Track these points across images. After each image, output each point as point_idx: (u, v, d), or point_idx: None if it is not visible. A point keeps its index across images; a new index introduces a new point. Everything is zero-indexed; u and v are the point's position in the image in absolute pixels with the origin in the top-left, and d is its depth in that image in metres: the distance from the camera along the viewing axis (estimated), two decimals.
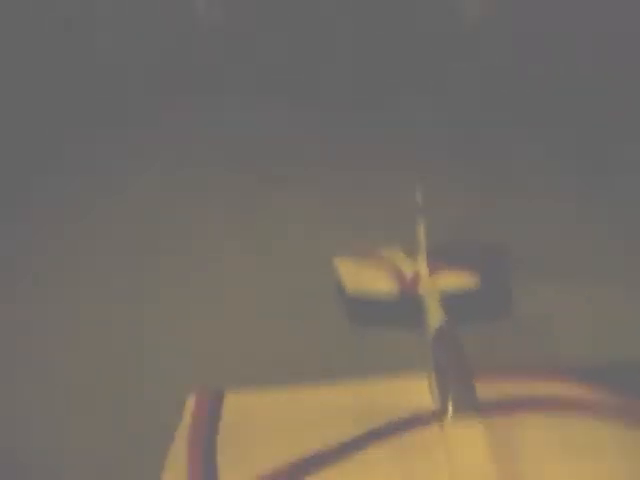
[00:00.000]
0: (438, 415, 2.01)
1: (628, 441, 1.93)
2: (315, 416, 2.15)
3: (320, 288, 3.03)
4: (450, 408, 1.97)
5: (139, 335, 2.93)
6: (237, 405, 2.20)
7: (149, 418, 2.48)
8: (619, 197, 3.67)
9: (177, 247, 3.47)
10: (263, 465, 1.94)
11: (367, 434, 2.02)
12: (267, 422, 2.15)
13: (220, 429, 2.11)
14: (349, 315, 2.92)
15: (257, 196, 3.82)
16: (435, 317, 2.41)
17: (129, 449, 2.39)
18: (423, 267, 2.86)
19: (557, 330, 2.84)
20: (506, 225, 3.43)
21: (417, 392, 2.17)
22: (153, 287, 3.21)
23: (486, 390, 2.05)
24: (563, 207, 3.62)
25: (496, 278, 3.00)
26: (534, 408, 2.05)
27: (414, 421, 2.05)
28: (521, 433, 1.94)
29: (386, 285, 2.86)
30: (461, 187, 3.78)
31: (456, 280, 2.83)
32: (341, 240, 3.28)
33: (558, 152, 4.08)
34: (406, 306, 2.72)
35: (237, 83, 4.93)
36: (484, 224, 3.43)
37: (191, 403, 2.19)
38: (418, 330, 2.47)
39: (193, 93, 4.87)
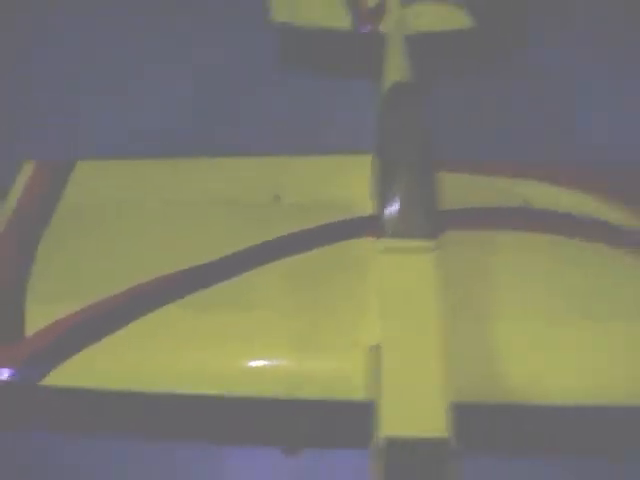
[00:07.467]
0: (376, 226, 1.33)
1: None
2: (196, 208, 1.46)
3: None
4: (388, 227, 1.28)
5: None
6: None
7: None
8: None
9: None
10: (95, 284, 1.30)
11: (273, 242, 1.36)
12: (121, 207, 1.47)
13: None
14: (278, 53, 1.96)
15: None
16: (396, 67, 1.56)
17: None
18: None
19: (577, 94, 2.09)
20: None
21: (354, 185, 1.45)
22: None
23: (454, 188, 1.38)
24: None
25: (498, 15, 1.96)
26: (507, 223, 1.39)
27: (342, 227, 1.39)
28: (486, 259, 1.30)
29: (333, 14, 1.84)
30: None
31: (439, 16, 1.82)
32: None
33: None
34: (357, 46, 1.82)
35: None
36: None
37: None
38: (368, 81, 1.64)
39: None
